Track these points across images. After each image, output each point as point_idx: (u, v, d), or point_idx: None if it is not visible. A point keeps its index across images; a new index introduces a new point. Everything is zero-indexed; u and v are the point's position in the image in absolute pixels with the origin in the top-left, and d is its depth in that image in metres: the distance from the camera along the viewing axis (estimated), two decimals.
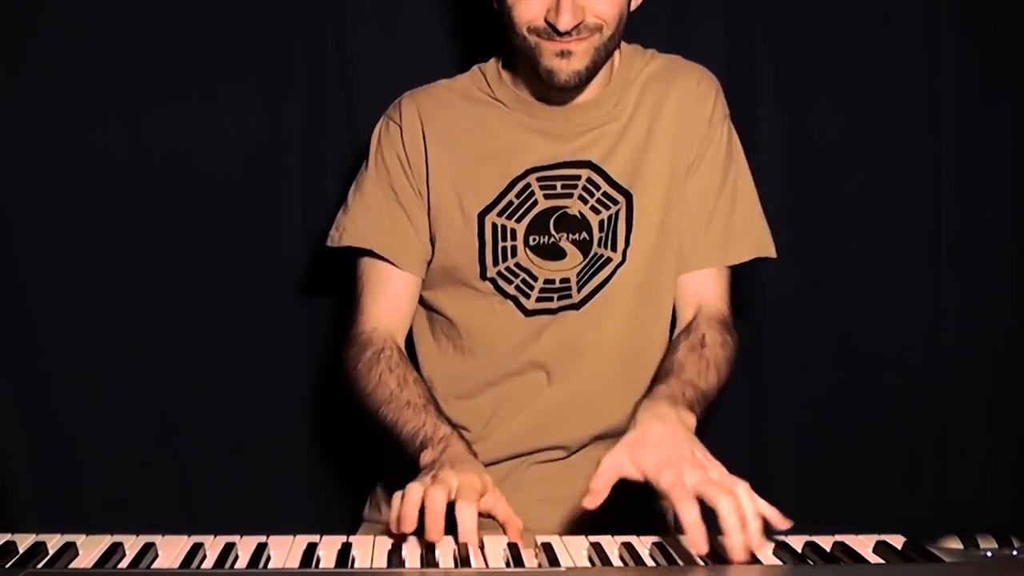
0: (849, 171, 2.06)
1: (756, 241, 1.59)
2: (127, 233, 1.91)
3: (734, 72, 1.99)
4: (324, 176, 1.94)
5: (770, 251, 1.60)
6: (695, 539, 1.11)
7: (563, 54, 1.42)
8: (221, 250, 1.94)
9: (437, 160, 1.54)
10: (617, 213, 1.53)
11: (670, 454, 1.20)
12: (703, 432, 1.35)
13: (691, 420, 1.33)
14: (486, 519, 1.25)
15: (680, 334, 1.52)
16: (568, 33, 1.40)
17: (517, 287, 1.53)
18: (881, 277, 2.09)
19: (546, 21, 1.41)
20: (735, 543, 1.11)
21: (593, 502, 1.20)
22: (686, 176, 1.55)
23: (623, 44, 1.57)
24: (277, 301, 1.96)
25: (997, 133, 2.08)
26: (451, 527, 1.20)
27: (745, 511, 1.13)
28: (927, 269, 2.08)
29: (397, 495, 1.22)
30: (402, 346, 1.55)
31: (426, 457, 1.34)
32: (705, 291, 1.56)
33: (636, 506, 1.29)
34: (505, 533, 1.24)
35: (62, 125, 1.87)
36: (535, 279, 1.53)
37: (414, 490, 1.20)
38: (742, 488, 1.15)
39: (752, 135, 1.93)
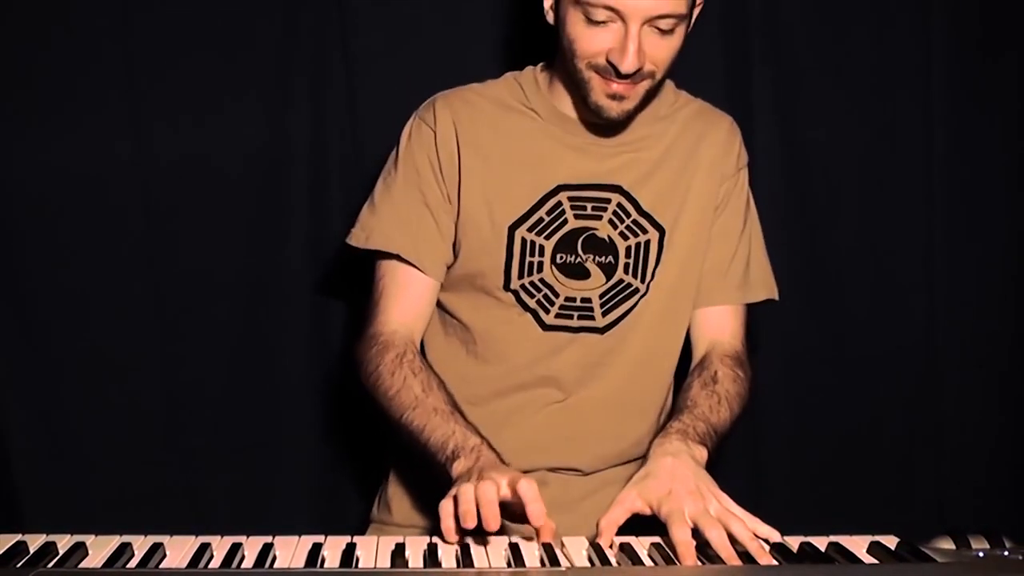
0: (843, 178, 2.08)
1: (769, 283, 1.65)
2: (136, 239, 1.92)
3: (731, 82, 2.02)
4: (328, 181, 1.95)
5: (776, 294, 1.66)
6: (684, 554, 1.18)
7: (615, 97, 1.44)
8: (228, 254, 1.95)
9: (470, 167, 1.53)
10: (647, 243, 1.55)
11: (674, 487, 1.27)
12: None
13: (701, 454, 1.37)
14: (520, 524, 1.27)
15: (693, 370, 1.56)
16: (627, 76, 1.41)
17: (538, 301, 1.54)
18: (875, 283, 2.11)
19: (608, 61, 1.41)
20: (731, 563, 1.17)
21: (606, 541, 1.25)
22: (712, 216, 1.59)
23: None
24: (283, 304, 1.97)
25: (988, 141, 2.10)
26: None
27: (741, 539, 1.19)
28: (920, 275, 2.10)
29: (446, 503, 1.24)
30: (419, 349, 1.55)
31: (459, 467, 1.34)
32: (721, 327, 1.60)
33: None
34: (537, 534, 1.25)
35: (72, 134, 1.88)
36: (557, 296, 1.54)
37: (466, 489, 1.22)
38: (736, 522, 1.22)
39: (749, 142, 1.95)
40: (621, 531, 1.28)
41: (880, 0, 2.05)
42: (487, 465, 1.31)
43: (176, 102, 1.90)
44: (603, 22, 1.39)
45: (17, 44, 1.86)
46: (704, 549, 1.21)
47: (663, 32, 1.40)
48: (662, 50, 1.42)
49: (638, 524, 1.29)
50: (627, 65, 1.39)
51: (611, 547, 1.24)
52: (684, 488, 1.26)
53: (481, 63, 1.92)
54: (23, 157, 1.88)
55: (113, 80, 1.88)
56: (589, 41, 1.41)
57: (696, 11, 1.48)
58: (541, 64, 1.59)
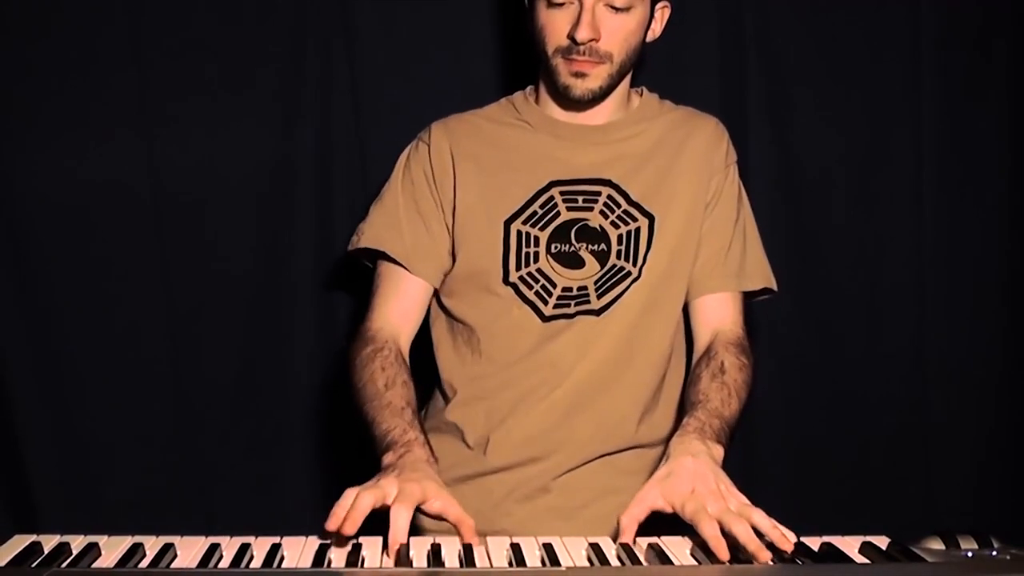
0: (836, 190, 2.12)
1: (766, 273, 1.69)
2: (148, 246, 1.96)
3: (726, 94, 2.04)
4: (333, 192, 1.99)
5: (774, 284, 1.71)
6: (717, 548, 1.21)
7: (578, 75, 1.56)
8: (238, 261, 1.99)
9: (464, 171, 1.62)
10: (638, 231, 1.60)
11: (696, 487, 1.31)
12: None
13: (719, 452, 1.42)
14: (441, 521, 1.31)
15: (700, 360, 1.60)
16: (582, 52, 1.54)
17: (537, 292, 1.59)
18: (866, 287, 2.14)
19: (568, 37, 1.54)
20: (760, 557, 1.21)
21: (627, 538, 1.29)
22: (705, 209, 1.64)
23: (645, 92, 1.70)
24: (291, 310, 2.01)
25: (980, 152, 2.14)
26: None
27: (763, 529, 1.24)
28: (911, 279, 2.14)
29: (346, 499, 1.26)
30: (405, 348, 1.60)
31: (386, 459, 1.39)
32: (722, 315, 1.63)
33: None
34: (459, 534, 1.29)
35: (84, 151, 1.92)
36: (554, 286, 1.59)
37: (347, 495, 1.25)
38: (757, 514, 1.26)
39: (744, 149, 1.98)
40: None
41: (870, 6, 2.09)
42: (408, 463, 1.35)
43: (185, 121, 1.94)
44: (562, 4, 1.54)
45: (39, 59, 1.90)
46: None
47: (617, 10, 1.53)
48: (617, 30, 1.54)
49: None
50: (581, 34, 1.52)
51: (634, 542, 1.28)
52: (706, 488, 1.31)
53: (484, 81, 1.97)
54: (41, 178, 1.91)
55: (129, 96, 1.92)
56: (552, 24, 1.55)
57: (661, 14, 1.62)
58: (527, 88, 1.69)
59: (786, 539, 1.23)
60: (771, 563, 1.21)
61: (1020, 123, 2.14)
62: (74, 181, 1.92)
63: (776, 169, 2.09)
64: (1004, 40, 2.12)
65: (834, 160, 2.11)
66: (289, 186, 1.98)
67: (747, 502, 1.30)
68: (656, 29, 1.63)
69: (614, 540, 1.29)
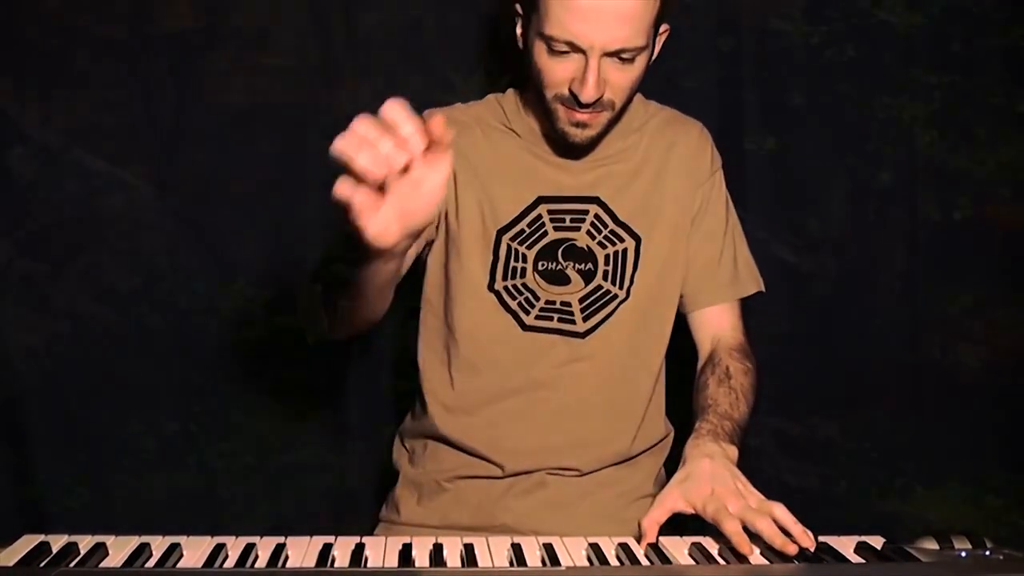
0: (834, 192, 2.12)
1: (755, 275, 1.70)
2: (156, 248, 1.97)
3: (725, 98, 2.05)
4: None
5: (763, 285, 1.71)
6: (740, 544, 1.25)
7: (579, 125, 1.50)
8: (243, 266, 2.01)
9: (464, 173, 1.59)
10: (624, 251, 1.60)
11: (715, 488, 1.34)
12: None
13: (734, 452, 1.44)
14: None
15: (705, 367, 1.61)
16: (587, 106, 1.46)
17: (520, 304, 1.59)
18: (861, 294, 2.15)
19: (570, 90, 1.47)
20: (787, 551, 1.24)
21: (649, 539, 1.32)
22: (693, 221, 1.64)
23: None
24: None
25: (975, 155, 2.14)
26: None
27: (784, 523, 1.27)
28: (907, 287, 2.14)
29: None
30: None
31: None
32: (722, 324, 1.65)
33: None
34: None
35: (93, 155, 1.93)
36: (537, 299, 1.59)
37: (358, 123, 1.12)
38: (779, 508, 1.29)
39: (743, 157, 1.99)
40: (620, 533, 1.33)
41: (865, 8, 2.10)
42: None
43: (195, 129, 1.96)
44: (565, 52, 1.44)
45: (50, 66, 1.93)
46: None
47: (624, 61, 1.45)
48: (622, 80, 1.47)
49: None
50: (586, 96, 1.44)
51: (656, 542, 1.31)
52: (725, 489, 1.33)
53: (489, 87, 1.97)
54: (52, 171, 1.93)
55: (137, 101, 1.94)
56: (552, 71, 1.47)
57: (660, 39, 1.53)
58: (517, 90, 1.65)
59: (807, 536, 1.25)
60: (768, 563, 1.22)
61: (1015, 126, 2.15)
62: (82, 185, 1.94)
63: (773, 172, 2.09)
64: (999, 42, 2.13)
65: (831, 162, 2.12)
66: (297, 192, 1.99)
67: (764, 499, 1.32)
68: (655, 52, 1.54)
69: (638, 540, 1.31)
